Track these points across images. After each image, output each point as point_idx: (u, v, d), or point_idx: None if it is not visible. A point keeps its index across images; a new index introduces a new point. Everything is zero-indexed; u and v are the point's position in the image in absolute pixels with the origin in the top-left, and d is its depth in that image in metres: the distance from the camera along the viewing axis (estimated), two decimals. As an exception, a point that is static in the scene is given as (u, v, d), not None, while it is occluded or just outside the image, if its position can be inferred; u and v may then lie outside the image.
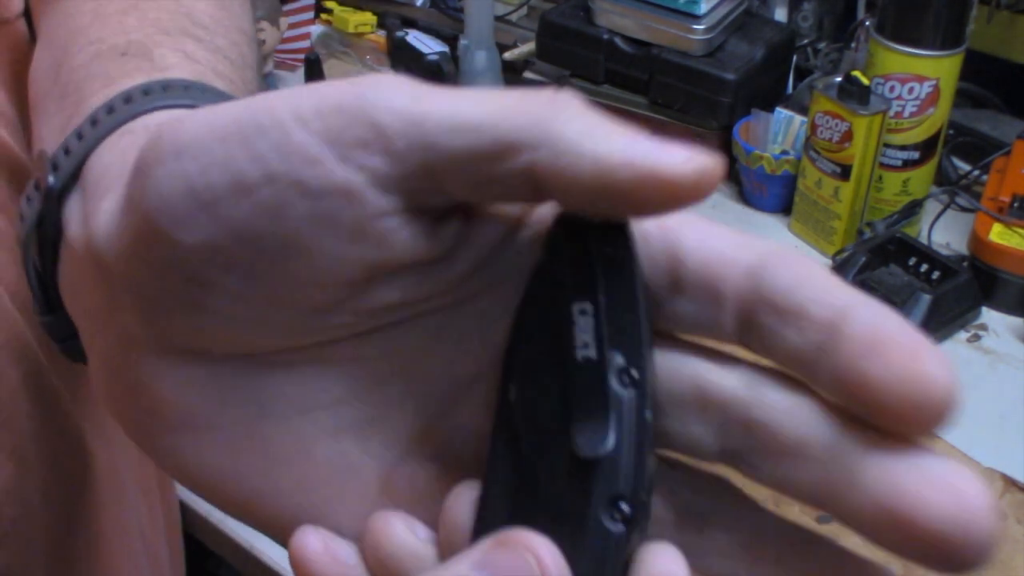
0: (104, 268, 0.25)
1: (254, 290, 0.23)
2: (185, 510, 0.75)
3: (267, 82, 1.15)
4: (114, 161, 0.27)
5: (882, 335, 0.20)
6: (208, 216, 0.22)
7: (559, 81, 1.09)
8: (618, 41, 1.03)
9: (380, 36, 1.23)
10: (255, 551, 0.72)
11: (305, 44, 1.19)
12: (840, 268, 0.89)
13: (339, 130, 0.21)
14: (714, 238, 0.23)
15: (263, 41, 1.11)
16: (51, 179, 0.28)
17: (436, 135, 0.21)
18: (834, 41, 1.09)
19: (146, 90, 0.30)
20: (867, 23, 0.98)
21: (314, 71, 1.07)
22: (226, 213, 0.22)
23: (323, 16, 1.25)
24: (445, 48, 1.16)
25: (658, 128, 1.04)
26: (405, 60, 1.17)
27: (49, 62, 0.35)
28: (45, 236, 0.29)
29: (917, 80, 0.89)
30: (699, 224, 0.23)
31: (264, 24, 1.10)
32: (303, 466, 0.26)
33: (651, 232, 0.23)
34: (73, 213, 0.28)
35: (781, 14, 1.10)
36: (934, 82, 0.89)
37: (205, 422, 0.25)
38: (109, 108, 0.29)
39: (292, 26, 1.17)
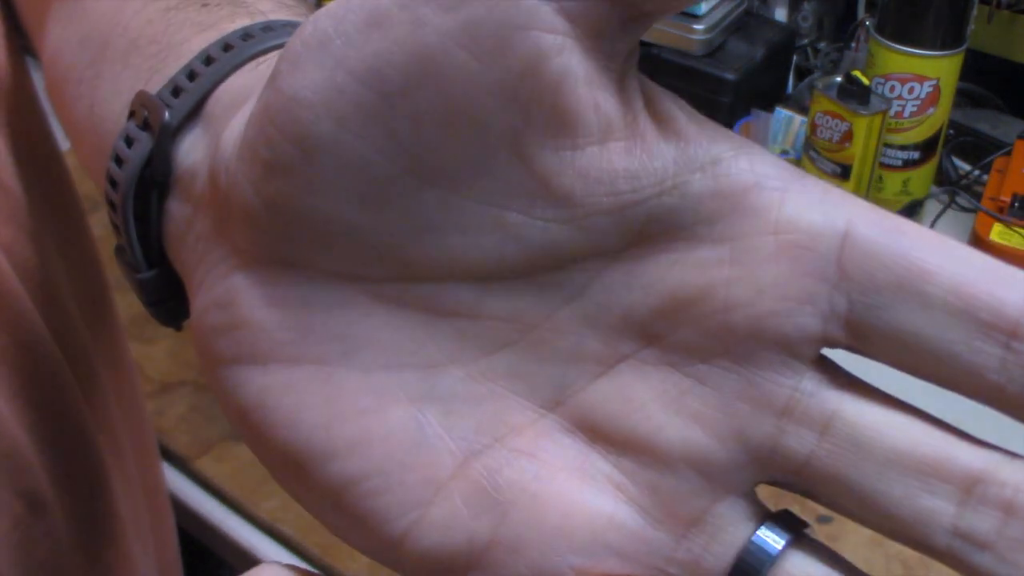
0: (220, 188, 0.24)
1: (378, 158, 0.21)
2: (185, 511, 0.75)
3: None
4: (253, 82, 0.25)
5: None
6: (334, 60, 0.20)
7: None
8: (618, 41, 1.03)
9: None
10: (255, 552, 0.72)
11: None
12: (840, 268, 0.89)
13: None
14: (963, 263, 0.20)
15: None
16: (166, 115, 0.27)
17: None
18: (834, 41, 1.09)
19: (267, 27, 0.28)
20: (867, 23, 0.98)
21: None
22: (354, 52, 0.20)
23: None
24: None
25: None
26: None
27: (85, 32, 0.33)
28: (151, 178, 0.27)
29: (917, 80, 0.89)
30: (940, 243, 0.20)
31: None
32: (368, 428, 0.22)
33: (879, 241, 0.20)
34: (192, 145, 0.26)
35: (781, 14, 1.10)
36: (934, 82, 0.89)
37: (282, 353, 0.23)
38: (225, 46, 0.28)
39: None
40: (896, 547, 0.69)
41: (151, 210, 0.27)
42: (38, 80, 0.44)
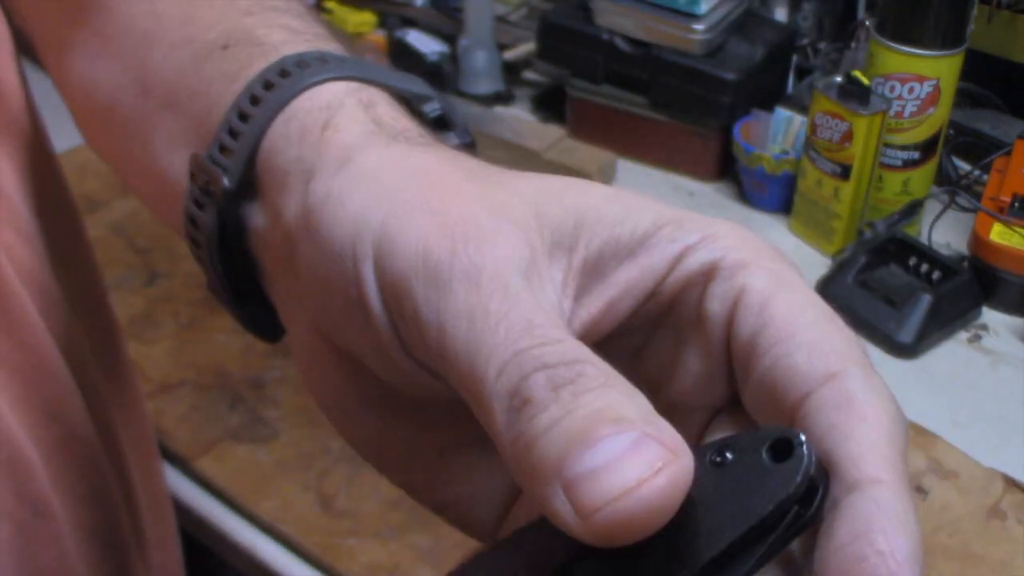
0: (296, 256, 0.28)
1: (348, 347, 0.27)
2: (185, 511, 0.75)
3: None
4: (288, 158, 0.29)
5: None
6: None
7: (559, 81, 1.09)
8: (618, 41, 1.03)
9: (380, 36, 1.23)
10: (255, 552, 0.72)
11: (305, 44, 1.18)
12: (840, 268, 0.89)
13: (389, 280, 0.25)
14: (802, 332, 0.24)
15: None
16: (225, 181, 0.30)
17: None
18: (834, 41, 1.09)
19: (282, 71, 0.30)
20: (867, 23, 0.98)
21: (314, 71, 1.07)
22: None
23: (323, 16, 1.25)
24: (445, 48, 1.16)
25: (658, 128, 1.04)
26: (405, 60, 1.17)
27: (118, 76, 0.35)
28: (227, 236, 0.31)
29: (917, 80, 0.89)
30: (792, 301, 0.24)
31: (264, 24, 1.10)
32: (440, 467, 0.29)
33: (751, 287, 0.24)
34: (254, 211, 0.30)
35: (781, 14, 1.10)
36: (934, 82, 0.89)
37: (356, 411, 0.29)
38: (252, 98, 0.30)
39: (292, 26, 1.17)
40: (896, 547, 0.69)
41: (235, 258, 0.31)
42: (34, 82, 0.44)
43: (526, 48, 1.13)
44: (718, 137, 1.02)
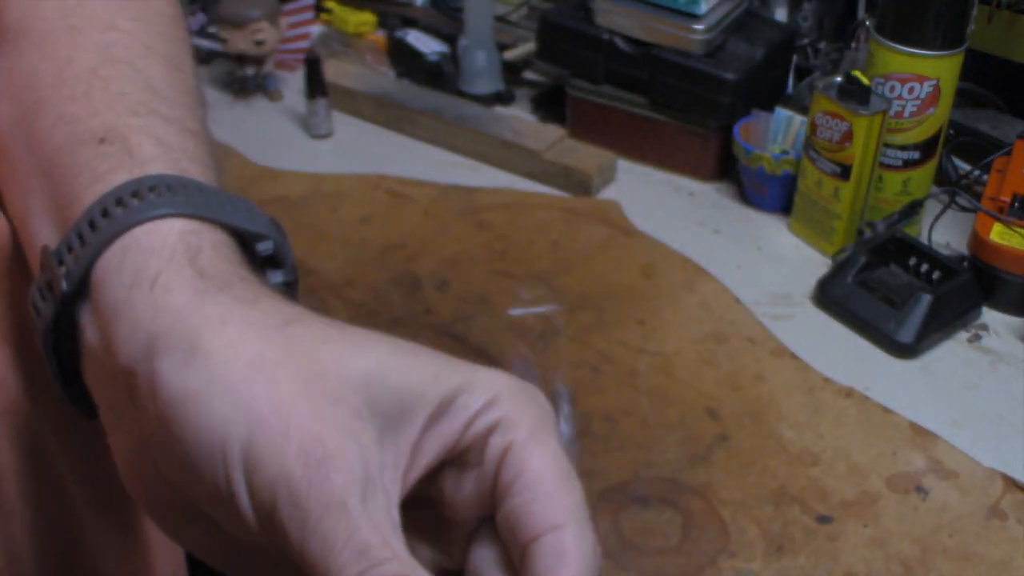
0: (124, 379, 0.31)
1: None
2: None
3: (267, 82, 1.15)
4: (119, 296, 0.31)
5: None
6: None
7: (559, 80, 1.09)
8: (618, 41, 1.03)
9: (380, 36, 1.23)
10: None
11: (305, 44, 1.18)
12: (840, 268, 0.89)
13: (253, 476, 0.29)
14: (544, 484, 0.30)
15: (263, 41, 1.10)
16: (64, 285, 0.32)
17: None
18: (834, 41, 1.09)
19: (135, 192, 0.33)
20: (867, 23, 0.98)
21: (314, 71, 1.07)
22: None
23: (323, 16, 1.25)
24: (445, 48, 1.16)
25: (658, 128, 1.04)
26: (405, 60, 1.17)
27: (15, 117, 0.37)
28: (62, 331, 0.33)
29: (917, 80, 0.89)
30: (544, 456, 0.31)
31: (264, 24, 1.10)
32: (258, 556, 0.33)
33: (517, 443, 0.31)
34: (87, 322, 0.32)
35: (781, 14, 1.10)
36: (934, 82, 0.89)
37: (187, 524, 0.32)
38: (103, 211, 0.32)
39: (292, 26, 1.17)
40: (896, 547, 0.69)
41: (65, 353, 0.34)
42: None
43: (526, 48, 1.13)
44: (718, 137, 1.02)
